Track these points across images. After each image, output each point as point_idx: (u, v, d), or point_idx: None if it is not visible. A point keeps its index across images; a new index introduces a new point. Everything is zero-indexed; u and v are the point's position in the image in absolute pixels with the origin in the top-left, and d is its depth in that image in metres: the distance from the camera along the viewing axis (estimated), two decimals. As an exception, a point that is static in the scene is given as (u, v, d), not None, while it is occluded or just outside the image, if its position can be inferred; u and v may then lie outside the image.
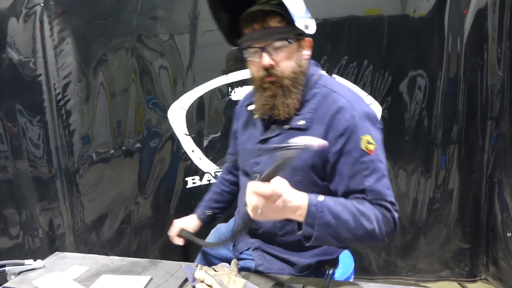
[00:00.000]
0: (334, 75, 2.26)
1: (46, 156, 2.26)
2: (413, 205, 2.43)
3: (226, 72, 2.26)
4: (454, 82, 2.27)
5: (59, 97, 2.20)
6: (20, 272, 1.26)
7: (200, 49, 2.25)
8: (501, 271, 2.35)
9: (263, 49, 1.14)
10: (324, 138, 1.13)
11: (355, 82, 2.27)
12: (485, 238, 2.44)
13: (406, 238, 2.46)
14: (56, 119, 2.22)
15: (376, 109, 2.29)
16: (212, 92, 2.29)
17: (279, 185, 0.93)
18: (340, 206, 1.04)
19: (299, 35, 1.15)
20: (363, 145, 1.09)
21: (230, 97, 2.29)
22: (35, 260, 1.31)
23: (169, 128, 2.32)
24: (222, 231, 1.59)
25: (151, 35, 2.23)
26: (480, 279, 2.49)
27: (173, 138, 2.34)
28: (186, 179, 2.39)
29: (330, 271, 1.20)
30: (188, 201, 2.41)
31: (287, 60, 1.15)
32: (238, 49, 1.24)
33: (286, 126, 1.20)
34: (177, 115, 2.31)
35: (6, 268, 1.25)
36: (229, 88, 2.28)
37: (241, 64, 2.25)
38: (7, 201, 2.28)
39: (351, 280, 1.63)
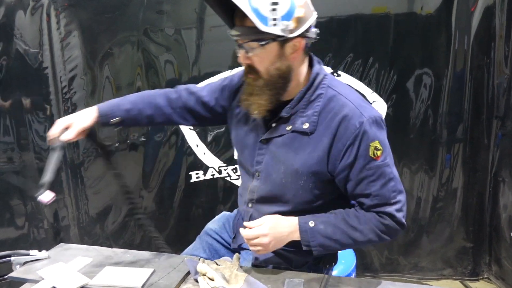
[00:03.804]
0: (340, 72, 2.25)
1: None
2: (416, 203, 2.42)
3: (232, 67, 2.26)
4: (461, 80, 2.26)
5: (65, 90, 2.22)
6: (25, 262, 1.28)
7: (205, 43, 2.25)
8: (504, 271, 2.35)
9: (239, 47, 1.13)
10: (331, 146, 1.12)
11: (360, 79, 2.26)
12: (488, 237, 2.43)
13: (409, 236, 2.46)
14: (62, 112, 2.24)
15: (381, 107, 2.28)
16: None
17: (262, 227, 1.12)
18: (331, 228, 1.13)
19: (282, 36, 1.07)
20: (371, 152, 1.10)
21: (235, 92, 2.29)
22: (40, 250, 1.33)
23: (174, 122, 2.32)
24: (227, 218, 1.53)
25: (157, 29, 2.23)
26: (483, 278, 2.49)
27: (177, 132, 2.35)
28: (190, 173, 2.40)
29: (328, 267, 1.21)
30: (192, 196, 2.42)
31: (261, 61, 1.12)
32: None
33: (289, 128, 1.17)
34: (182, 110, 2.31)
35: (12, 258, 1.27)
36: (234, 83, 2.28)
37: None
38: (13, 192, 2.30)
39: (352, 276, 1.64)
